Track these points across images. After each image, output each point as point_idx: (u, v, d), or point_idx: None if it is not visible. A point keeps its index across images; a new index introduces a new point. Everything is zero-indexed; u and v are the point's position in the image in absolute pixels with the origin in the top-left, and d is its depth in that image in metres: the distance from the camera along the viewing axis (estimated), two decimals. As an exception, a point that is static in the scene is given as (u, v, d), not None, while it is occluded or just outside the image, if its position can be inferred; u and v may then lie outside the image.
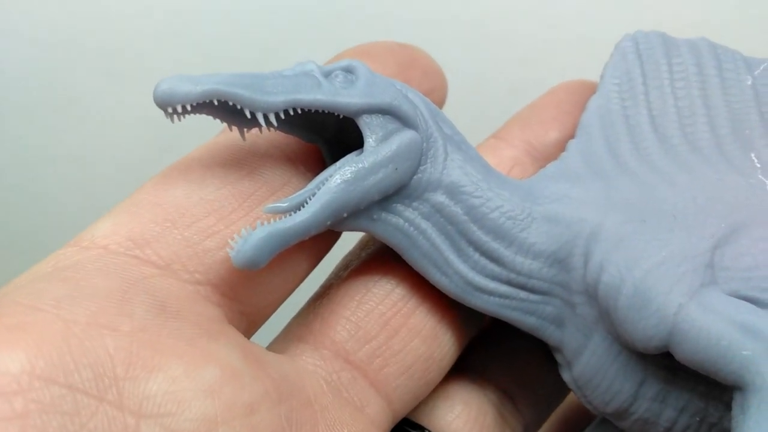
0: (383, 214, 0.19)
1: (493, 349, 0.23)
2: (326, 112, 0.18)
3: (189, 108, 0.16)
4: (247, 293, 0.18)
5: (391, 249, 0.20)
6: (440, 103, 0.24)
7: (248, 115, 0.17)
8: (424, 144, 0.19)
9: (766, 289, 0.18)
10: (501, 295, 0.20)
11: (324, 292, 0.20)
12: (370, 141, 0.18)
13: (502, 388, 0.22)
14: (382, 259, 0.20)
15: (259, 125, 0.17)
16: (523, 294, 0.20)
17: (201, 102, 0.16)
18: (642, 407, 0.18)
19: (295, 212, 0.17)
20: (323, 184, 0.18)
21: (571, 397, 0.25)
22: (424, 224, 0.19)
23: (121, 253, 0.16)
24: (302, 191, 0.18)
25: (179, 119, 0.16)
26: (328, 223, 0.17)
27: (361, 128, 0.18)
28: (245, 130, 0.18)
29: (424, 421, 0.21)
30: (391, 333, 0.19)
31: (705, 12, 0.30)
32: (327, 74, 0.18)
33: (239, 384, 0.15)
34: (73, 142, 0.39)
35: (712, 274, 0.18)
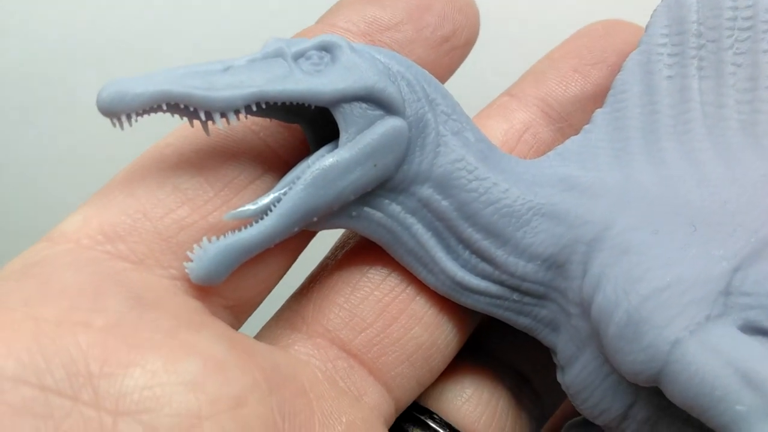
0: (364, 209, 0.17)
1: (508, 328, 0.22)
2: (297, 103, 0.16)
3: (135, 114, 0.15)
4: (228, 288, 0.17)
5: None
6: (469, 43, 0.21)
7: (202, 117, 0.15)
8: (413, 130, 0.17)
9: None
10: (492, 296, 0.18)
11: (318, 274, 0.19)
12: (344, 135, 0.16)
13: (517, 369, 0.21)
14: None
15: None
16: (516, 295, 0.18)
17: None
18: (631, 427, 0.17)
19: (258, 220, 0.16)
20: (293, 184, 0.16)
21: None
22: (410, 220, 0.18)
23: (92, 248, 0.16)
24: (269, 193, 0.16)
25: (130, 125, 0.15)
26: (295, 229, 0.16)
27: (336, 120, 0.16)
28: (210, 123, 0.16)
29: (432, 406, 0.20)
30: (389, 320, 0.18)
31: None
32: (298, 56, 0.16)
33: (224, 376, 0.15)
34: (72, 142, 0.38)
35: (724, 303, 0.16)
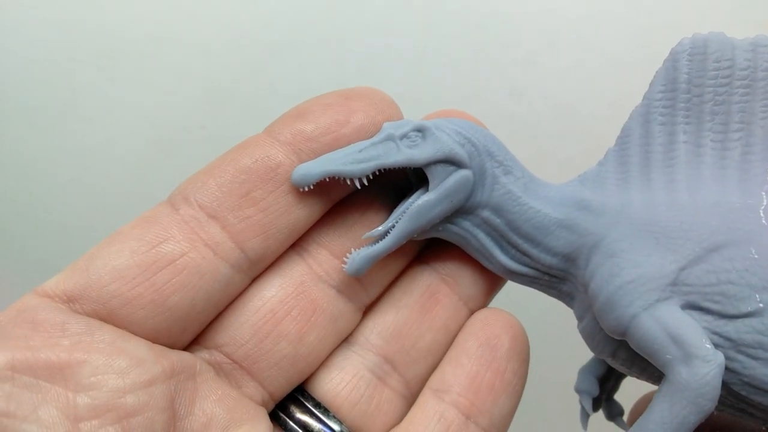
0: (446, 225, 0.28)
1: (379, 324, 0.28)
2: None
3: (313, 185, 0.26)
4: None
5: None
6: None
7: (348, 182, 0.26)
8: (475, 176, 0.27)
9: (717, 301, 0.24)
10: (530, 277, 0.28)
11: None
12: (431, 184, 0.26)
13: (380, 354, 0.27)
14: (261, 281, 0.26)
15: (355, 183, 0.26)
16: (546, 277, 0.28)
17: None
18: (617, 363, 0.27)
19: (382, 238, 0.27)
20: (402, 216, 0.27)
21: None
22: (475, 230, 0.28)
23: (59, 303, 0.23)
24: (388, 221, 0.27)
25: (311, 188, 0.26)
26: (404, 242, 0.27)
27: (427, 175, 0.27)
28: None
29: (309, 388, 0.27)
30: (261, 338, 0.26)
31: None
32: (402, 137, 0.26)
33: (143, 368, 0.22)
34: (73, 142, 0.41)
35: (671, 290, 0.25)
